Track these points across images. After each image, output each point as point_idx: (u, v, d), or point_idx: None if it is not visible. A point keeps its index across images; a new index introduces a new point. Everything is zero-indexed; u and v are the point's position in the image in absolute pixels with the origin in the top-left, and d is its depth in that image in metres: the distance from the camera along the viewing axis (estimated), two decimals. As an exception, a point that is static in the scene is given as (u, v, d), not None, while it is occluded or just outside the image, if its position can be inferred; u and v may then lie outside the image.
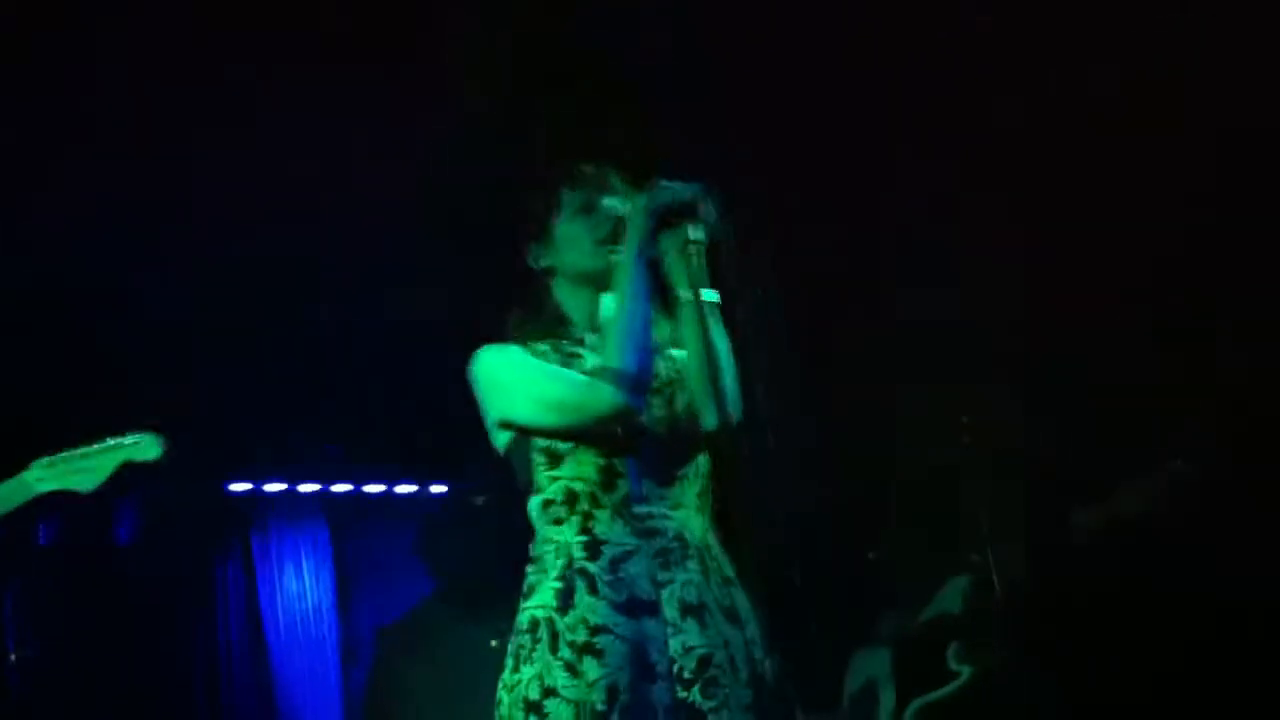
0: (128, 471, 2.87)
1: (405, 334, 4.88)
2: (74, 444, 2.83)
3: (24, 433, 2.94)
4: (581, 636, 2.26)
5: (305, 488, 6.52)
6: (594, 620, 2.26)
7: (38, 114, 4.03)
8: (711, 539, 2.44)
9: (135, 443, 2.86)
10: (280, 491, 6.47)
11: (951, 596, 4.55)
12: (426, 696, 4.54)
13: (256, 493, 6.43)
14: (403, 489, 6.68)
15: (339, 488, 6.59)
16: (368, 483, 6.64)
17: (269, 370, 5.44)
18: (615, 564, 2.31)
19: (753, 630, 2.39)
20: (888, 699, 4.43)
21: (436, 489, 6.66)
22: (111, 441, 2.84)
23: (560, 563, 2.33)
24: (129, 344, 5.10)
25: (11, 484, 2.73)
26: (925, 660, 4.48)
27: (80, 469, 2.77)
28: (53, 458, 2.77)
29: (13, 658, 5.72)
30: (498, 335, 2.53)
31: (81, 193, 4.34)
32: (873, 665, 4.53)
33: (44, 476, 2.75)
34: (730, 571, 2.43)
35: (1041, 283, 4.79)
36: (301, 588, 6.50)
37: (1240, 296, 4.67)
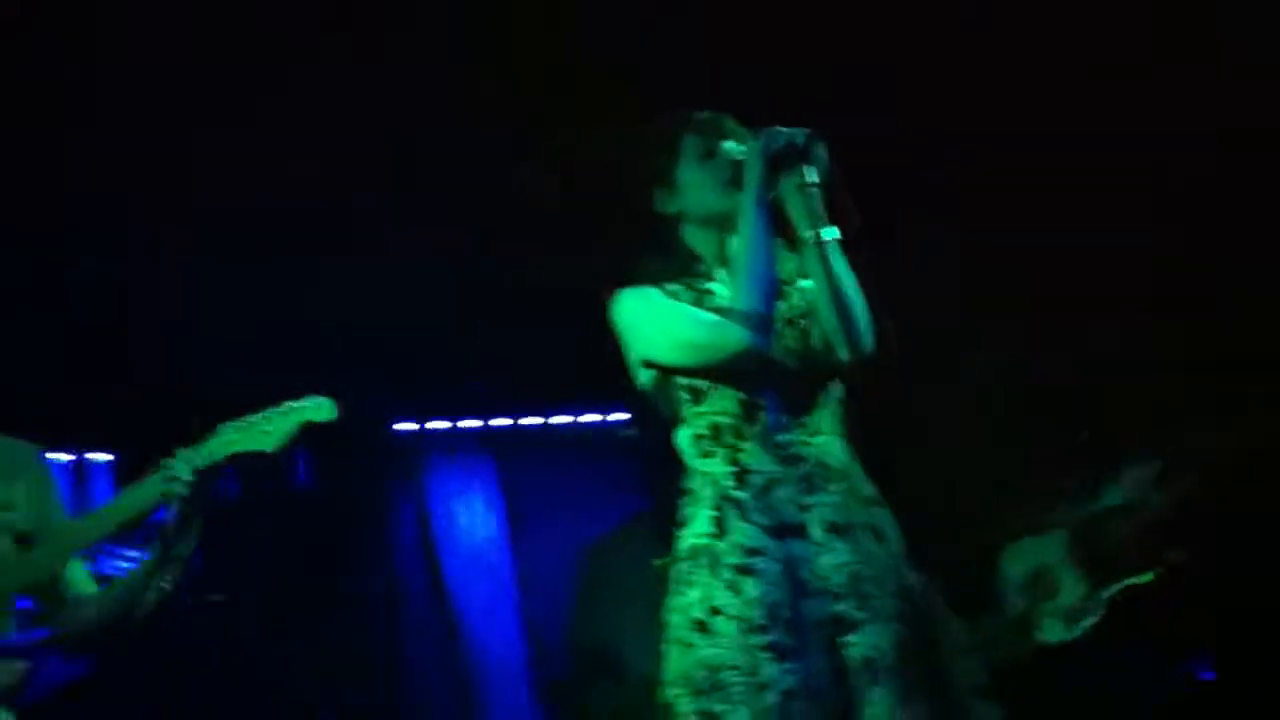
0: (307, 427, 3.05)
1: (556, 272, 5.00)
2: (256, 409, 2.98)
3: (210, 399, 3.12)
4: (738, 559, 2.41)
5: (466, 424, 6.74)
6: (747, 544, 2.41)
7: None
8: (852, 461, 2.56)
9: (312, 405, 3.00)
10: (443, 429, 6.69)
11: (1132, 486, 4.53)
12: (628, 611, 4.73)
13: (421, 432, 6.65)
14: (559, 419, 6.86)
15: (498, 422, 6.79)
16: (525, 415, 6.82)
17: (425, 313, 5.60)
18: (762, 491, 2.45)
19: (896, 546, 2.51)
20: (1069, 583, 4.45)
21: (589, 419, 6.82)
22: (290, 405, 2.99)
23: (712, 493, 2.48)
24: (297, 300, 5.32)
25: (204, 448, 2.89)
26: (1107, 546, 4.51)
27: (263, 431, 2.92)
28: (237, 422, 2.93)
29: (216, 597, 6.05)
30: (635, 278, 2.65)
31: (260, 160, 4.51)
32: (1043, 552, 4.55)
33: (231, 440, 2.91)
34: (871, 491, 2.55)
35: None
36: (472, 521, 6.72)
37: None
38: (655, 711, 2.50)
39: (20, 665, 2.71)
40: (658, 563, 2.61)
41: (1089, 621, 4.47)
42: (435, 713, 6.27)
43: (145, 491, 2.84)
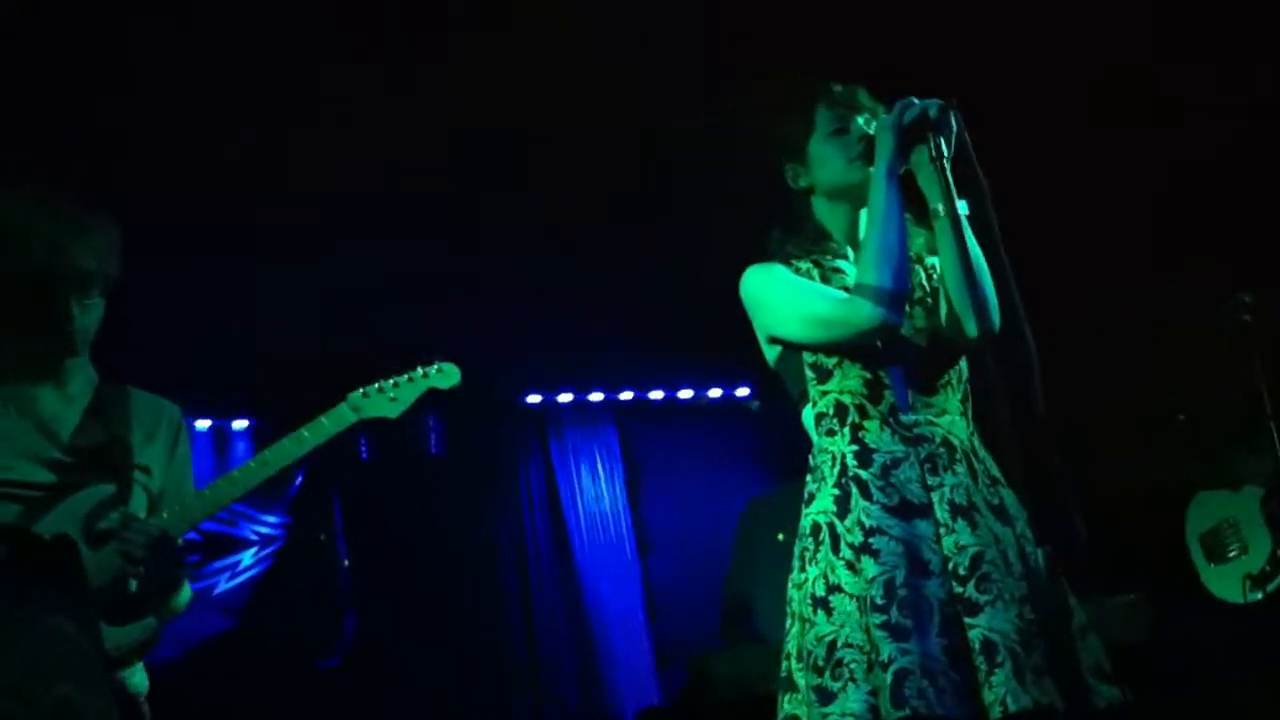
0: (433, 394, 3.10)
1: (682, 248, 5.03)
2: (385, 375, 3.04)
3: (344, 365, 3.17)
4: (858, 538, 2.40)
5: (593, 396, 6.82)
6: (869, 523, 2.40)
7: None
8: (977, 442, 2.54)
9: (438, 371, 3.07)
10: (570, 401, 6.78)
11: None
12: (768, 575, 4.77)
13: (549, 403, 6.75)
14: (683, 394, 6.90)
15: (624, 395, 6.86)
16: (650, 389, 6.88)
17: (555, 291, 5.67)
18: (886, 470, 2.44)
19: (1022, 526, 2.48)
20: (1260, 543, 4.26)
21: (714, 393, 6.86)
22: (419, 371, 3.05)
23: (835, 471, 2.48)
24: (433, 274, 5.42)
25: (333, 414, 2.94)
26: None
27: (390, 398, 2.99)
28: (366, 389, 2.99)
29: (345, 562, 6.23)
30: (764, 253, 2.65)
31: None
32: (1233, 506, 4.38)
33: (359, 406, 2.96)
34: (997, 471, 2.53)
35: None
36: (597, 488, 6.82)
37: None
38: (776, 682, 2.52)
39: (151, 622, 2.76)
40: (780, 538, 2.62)
41: (1274, 586, 4.24)
42: (561, 668, 6.37)
43: (278, 456, 2.87)
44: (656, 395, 6.88)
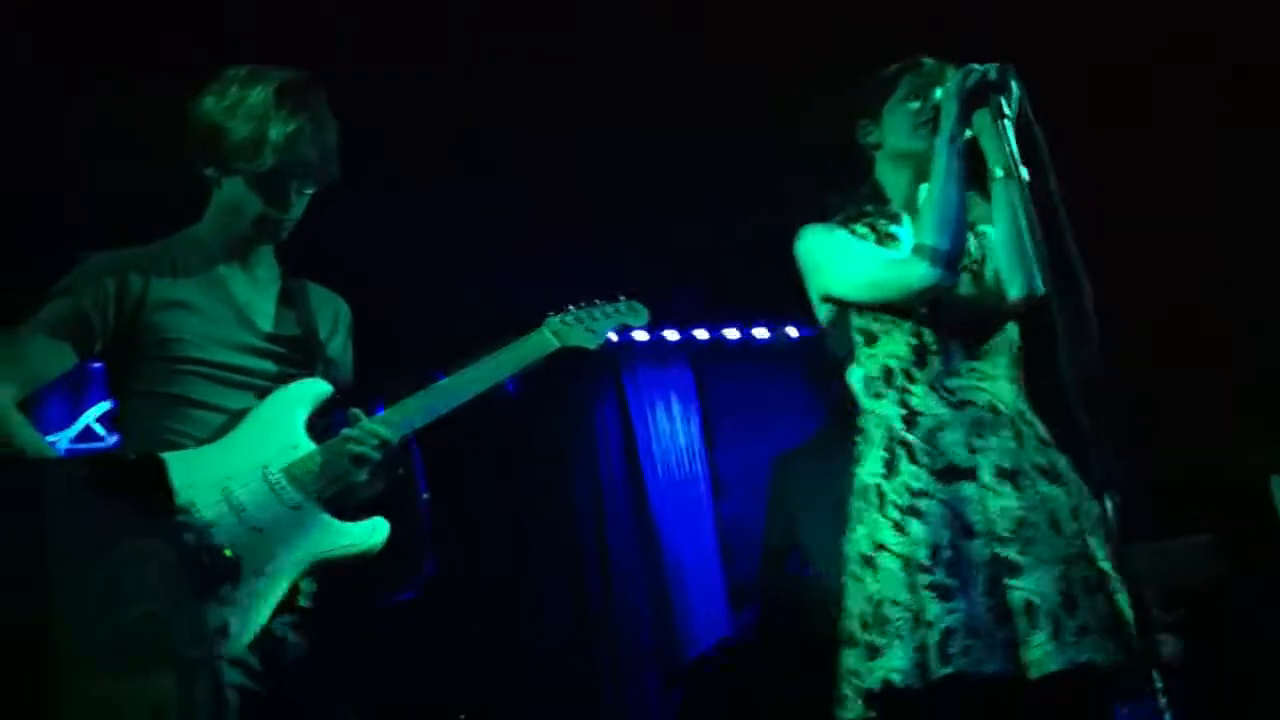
0: None
1: (752, 191, 5.01)
2: (577, 306, 2.95)
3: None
4: (905, 500, 2.46)
5: (669, 335, 6.84)
6: (915, 486, 2.46)
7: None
8: (1024, 406, 2.57)
9: (630, 308, 3.04)
10: (646, 341, 6.81)
11: None
12: (818, 518, 4.80)
13: (625, 340, 6.78)
14: (759, 333, 6.90)
15: (700, 334, 6.87)
16: (726, 328, 6.88)
17: (636, 229, 5.68)
18: (931, 434, 2.49)
19: (1076, 485, 2.51)
20: None
21: (792, 333, 6.85)
22: (611, 306, 3.00)
23: (881, 433, 2.54)
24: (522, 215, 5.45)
25: (532, 339, 2.83)
26: None
27: (587, 328, 2.91)
28: (563, 316, 2.90)
29: (425, 496, 6.30)
30: (824, 211, 2.72)
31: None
32: None
33: (560, 332, 2.86)
34: (1044, 433, 2.56)
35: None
36: (673, 428, 6.85)
37: None
38: (838, 632, 2.56)
39: (380, 523, 2.66)
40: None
41: None
42: (636, 609, 6.43)
43: (474, 379, 2.74)
44: (732, 335, 6.88)
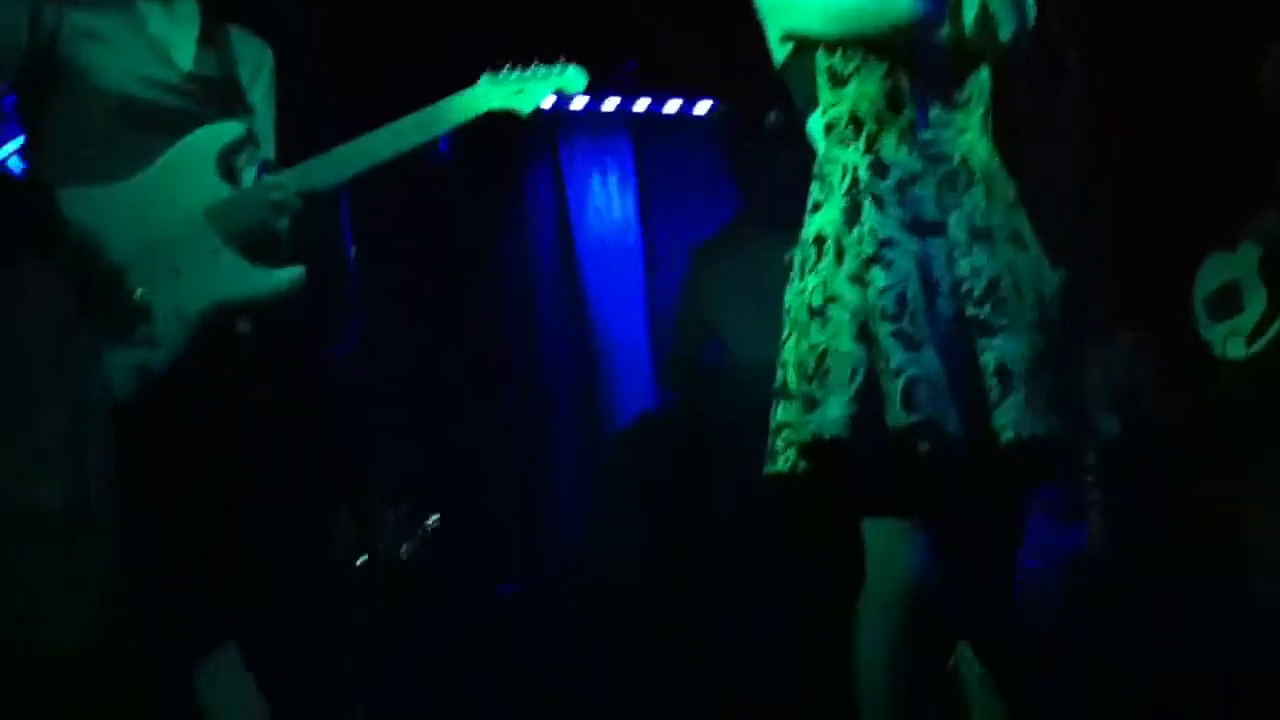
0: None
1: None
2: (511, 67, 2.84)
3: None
4: (869, 249, 2.34)
5: (607, 105, 6.66)
6: (882, 234, 2.34)
7: None
8: (996, 164, 2.48)
9: (562, 73, 2.90)
10: (583, 109, 6.63)
11: None
12: (735, 304, 4.78)
13: (560, 108, 6.61)
14: (700, 108, 6.74)
15: (639, 105, 6.70)
16: (666, 100, 6.72)
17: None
18: (902, 185, 2.38)
19: (1036, 252, 2.45)
20: (1255, 301, 4.26)
21: (730, 107, 6.69)
22: (545, 69, 2.87)
23: (845, 182, 2.40)
24: None
25: (463, 96, 2.76)
26: None
27: (516, 90, 2.81)
28: (495, 75, 2.80)
29: (351, 251, 6.18)
30: None
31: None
32: (1234, 266, 4.33)
33: (490, 93, 2.79)
34: (1012, 195, 2.47)
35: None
36: (608, 201, 6.74)
37: None
38: (768, 393, 2.52)
39: (297, 273, 2.64)
40: (787, 256, 2.57)
41: (1267, 339, 4.25)
42: (562, 375, 6.44)
43: (397, 136, 2.69)
44: (672, 107, 6.71)
